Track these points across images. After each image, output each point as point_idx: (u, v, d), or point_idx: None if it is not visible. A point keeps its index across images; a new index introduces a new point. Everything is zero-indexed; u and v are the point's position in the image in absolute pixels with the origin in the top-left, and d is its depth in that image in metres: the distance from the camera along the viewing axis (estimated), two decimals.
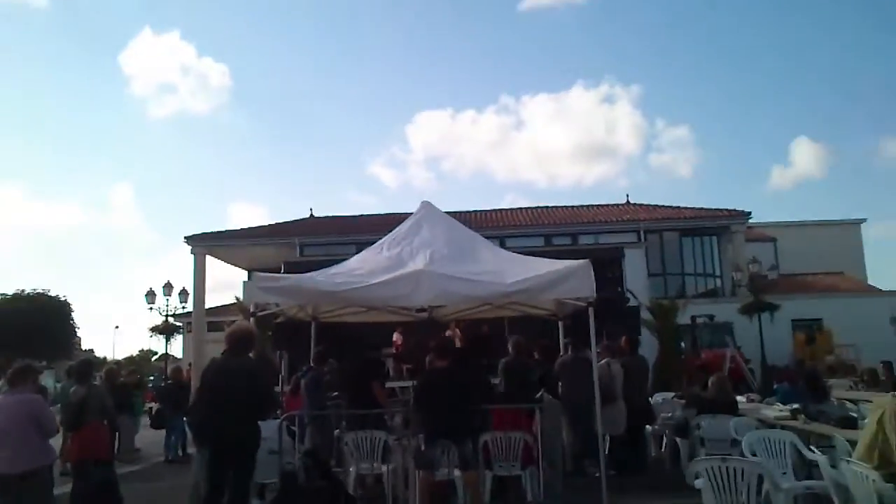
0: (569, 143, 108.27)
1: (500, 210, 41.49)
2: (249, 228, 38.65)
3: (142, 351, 78.34)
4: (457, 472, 7.85)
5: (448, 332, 25.72)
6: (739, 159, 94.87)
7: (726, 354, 26.03)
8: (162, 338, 34.13)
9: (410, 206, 37.55)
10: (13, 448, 6.62)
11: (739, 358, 26.11)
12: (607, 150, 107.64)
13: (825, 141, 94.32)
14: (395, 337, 26.32)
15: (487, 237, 10.97)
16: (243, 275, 42.29)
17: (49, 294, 45.33)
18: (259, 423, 6.96)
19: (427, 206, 9.90)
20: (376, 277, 8.18)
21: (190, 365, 30.79)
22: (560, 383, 10.61)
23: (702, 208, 37.56)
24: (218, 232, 37.78)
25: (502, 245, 32.22)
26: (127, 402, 14.71)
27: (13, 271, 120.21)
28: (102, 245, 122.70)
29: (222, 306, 43.61)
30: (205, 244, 36.50)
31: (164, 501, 10.56)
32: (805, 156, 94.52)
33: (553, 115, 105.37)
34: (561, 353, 11.46)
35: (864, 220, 47.09)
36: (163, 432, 15.14)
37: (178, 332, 35.51)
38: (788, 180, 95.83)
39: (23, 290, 45.18)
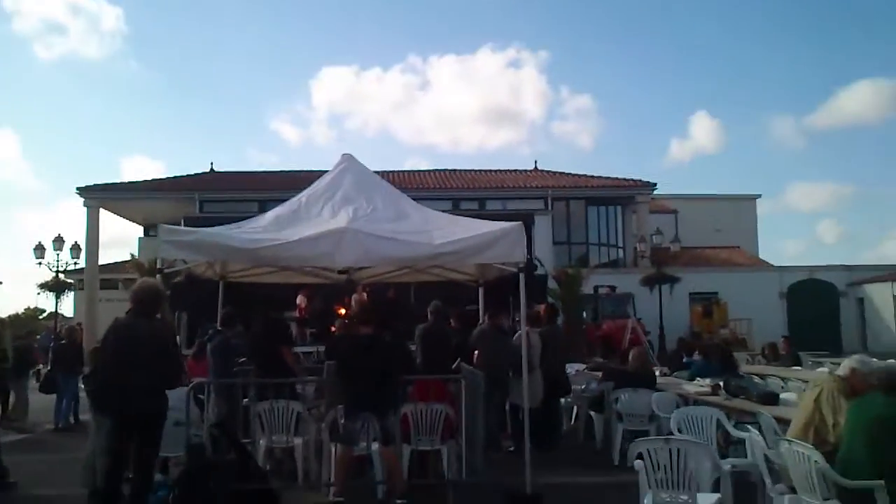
0: (474, 106, 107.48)
1: (407, 172, 40.93)
2: (146, 181, 37.07)
3: (28, 309, 74.26)
4: (374, 447, 7.44)
5: (355, 296, 25.28)
6: (640, 131, 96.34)
7: (627, 325, 26.39)
8: (52, 295, 32.44)
9: (314, 164, 37.65)
10: None
11: (640, 329, 26.52)
12: (511, 115, 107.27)
13: (722, 117, 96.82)
14: (300, 300, 25.57)
15: None
16: (138, 230, 40.69)
17: None
18: (166, 391, 6.37)
19: (349, 159, 9.29)
20: (295, 235, 7.60)
21: (80, 325, 29.25)
22: (476, 352, 10.29)
23: (609, 177, 37.98)
24: (112, 184, 36.07)
25: None
26: (23, 364, 13.77)
27: None
28: None
29: (116, 263, 41.75)
30: (98, 196, 34.79)
31: (54, 475, 9.69)
32: (703, 130, 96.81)
33: (459, 77, 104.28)
34: (480, 322, 11.14)
35: (759, 196, 48.71)
36: (52, 397, 14.07)
37: (70, 290, 33.74)
38: (687, 153, 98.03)
39: None
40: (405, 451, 7.90)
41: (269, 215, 8.57)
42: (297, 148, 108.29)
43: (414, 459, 8.07)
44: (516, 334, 10.67)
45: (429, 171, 41.37)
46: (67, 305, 38.10)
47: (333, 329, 14.27)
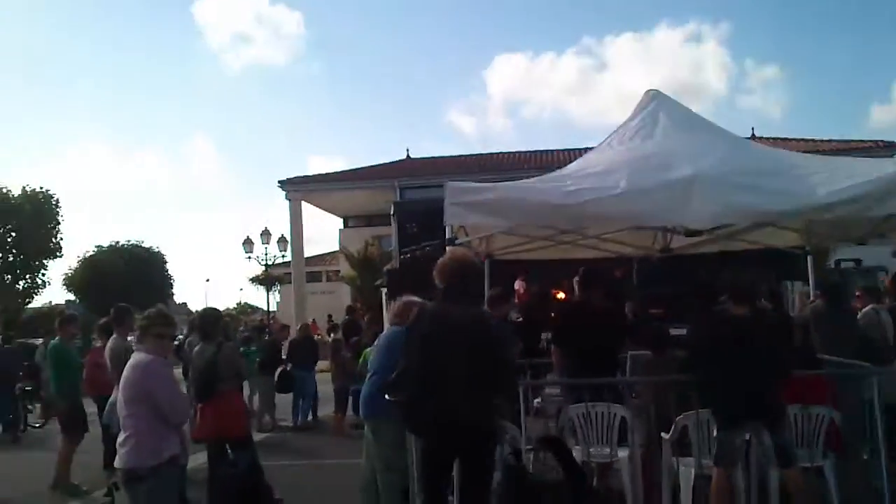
0: (654, 83, 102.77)
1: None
2: (344, 171, 36.50)
3: (239, 304, 77.34)
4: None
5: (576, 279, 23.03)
6: (833, 98, 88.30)
7: None
8: (262, 289, 32.76)
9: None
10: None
11: None
12: (694, 90, 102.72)
13: None
14: (518, 284, 23.90)
15: None
16: (335, 224, 40.69)
17: (143, 245, 44.52)
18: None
19: (657, 95, 7.22)
20: (619, 186, 5.71)
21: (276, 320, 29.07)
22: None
23: (842, 140, 33.86)
24: (312, 175, 35.82)
25: None
26: (273, 362, 12.97)
27: (102, 226, 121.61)
28: (184, 198, 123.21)
29: (318, 255, 42.11)
30: (299, 189, 34.58)
31: (310, 484, 8.46)
32: None
33: (637, 56, 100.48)
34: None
35: None
36: (287, 397, 13.36)
37: (279, 284, 34.07)
38: (891, 119, 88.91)
39: (117, 242, 44.46)
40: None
41: (572, 166, 6.68)
42: (473, 137, 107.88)
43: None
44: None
45: None
46: (269, 300, 38.62)
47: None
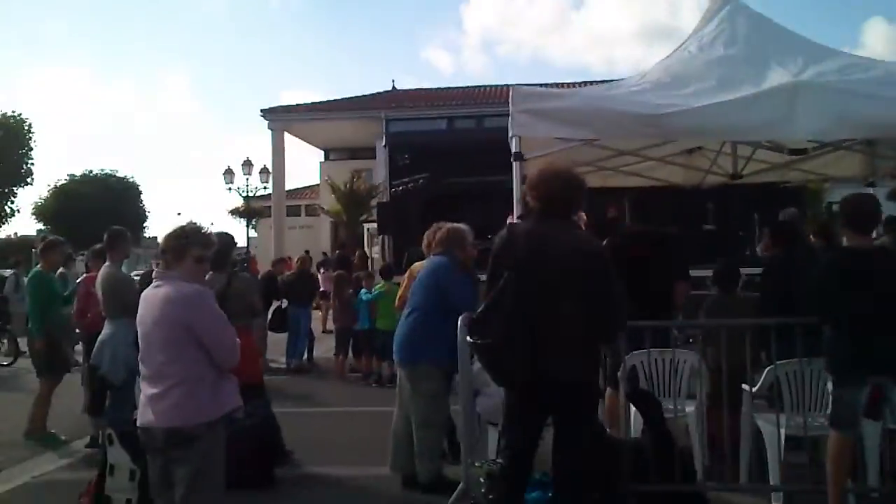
0: (631, 25, 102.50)
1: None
2: (328, 101, 35.08)
3: None
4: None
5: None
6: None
7: None
8: (238, 222, 31.57)
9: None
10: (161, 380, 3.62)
11: None
12: (670, 31, 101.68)
13: None
14: (510, 220, 23.11)
15: None
16: (314, 158, 39.46)
17: (117, 175, 42.93)
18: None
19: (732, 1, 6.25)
20: (717, 97, 4.80)
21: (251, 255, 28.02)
22: None
23: None
24: (296, 105, 34.43)
25: None
26: (269, 295, 11.72)
27: (74, 156, 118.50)
28: (157, 129, 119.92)
29: (298, 189, 40.88)
30: (282, 118, 33.25)
31: (323, 436, 7.65)
32: (878, 37, 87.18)
33: None
34: None
35: None
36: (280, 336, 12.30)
37: (260, 216, 32.90)
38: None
39: (90, 171, 42.80)
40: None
41: (653, 73, 5.69)
42: (449, 75, 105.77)
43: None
44: None
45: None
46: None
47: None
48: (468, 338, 4.01)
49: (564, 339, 3.55)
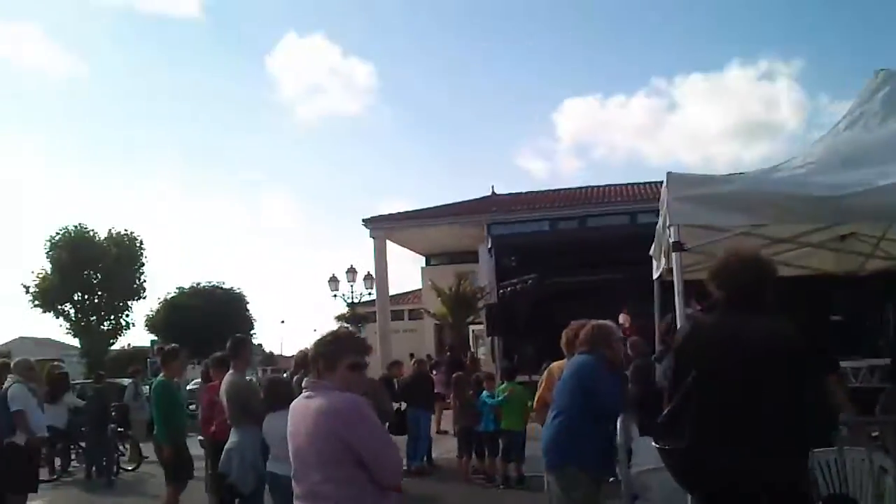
0: (726, 122, 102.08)
1: None
2: (429, 209, 35.49)
3: None
4: None
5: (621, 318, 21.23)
6: None
7: None
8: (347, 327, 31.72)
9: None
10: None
11: None
12: (767, 128, 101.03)
13: None
14: (622, 318, 22.43)
15: None
16: (414, 264, 39.86)
17: (224, 287, 44.24)
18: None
19: (891, 76, 5.90)
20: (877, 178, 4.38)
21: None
22: None
23: None
24: (396, 213, 34.94)
25: None
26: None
27: (182, 269, 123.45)
28: (259, 243, 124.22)
29: (400, 294, 41.19)
30: (384, 226, 33.76)
31: None
32: None
33: (708, 95, 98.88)
34: None
35: None
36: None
37: (365, 322, 33.08)
38: None
39: (198, 283, 44.24)
40: None
41: (814, 154, 5.30)
42: (543, 180, 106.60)
43: None
44: None
45: None
46: None
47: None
48: (653, 443, 3.59)
49: (770, 439, 3.13)
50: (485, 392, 10.89)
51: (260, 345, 68.10)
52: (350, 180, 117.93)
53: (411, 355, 32.58)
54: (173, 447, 7.66)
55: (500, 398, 10.46)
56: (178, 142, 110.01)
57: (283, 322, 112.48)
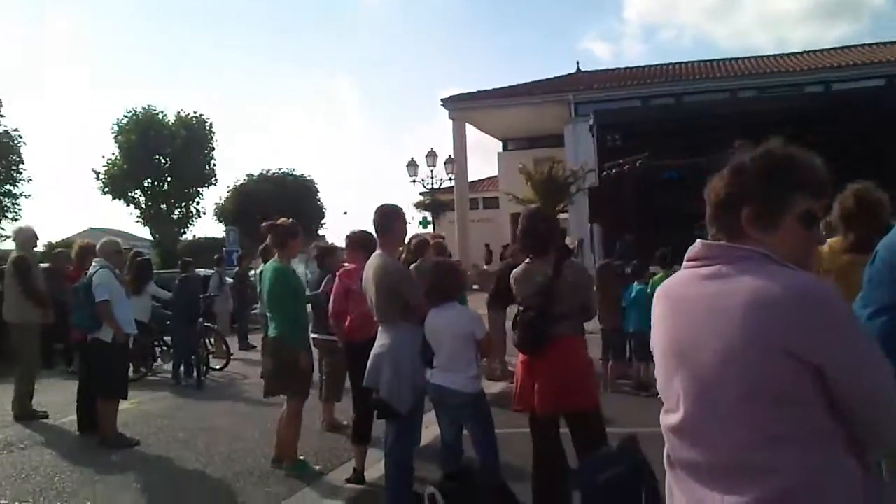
0: (802, 2, 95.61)
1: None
2: (510, 87, 33.17)
3: None
4: None
5: None
6: None
7: None
8: (426, 214, 30.16)
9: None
10: None
11: None
12: (849, 6, 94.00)
13: None
14: None
15: None
16: (488, 150, 37.95)
17: (294, 174, 42.74)
18: None
19: None
20: None
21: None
22: None
23: None
24: (477, 92, 32.79)
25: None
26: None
27: (252, 158, 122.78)
28: (328, 132, 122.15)
29: (476, 181, 39.38)
30: (464, 106, 31.77)
31: None
32: None
33: None
34: None
35: None
36: None
37: (445, 209, 31.50)
38: None
39: (268, 170, 42.80)
40: None
41: None
42: (609, 64, 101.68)
43: None
44: None
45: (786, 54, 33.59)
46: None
47: None
48: None
49: None
50: (636, 284, 9.21)
51: (323, 236, 67.22)
52: (409, 68, 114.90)
53: (486, 245, 31.27)
54: (296, 350, 6.16)
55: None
56: (247, 28, 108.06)
57: (345, 213, 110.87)
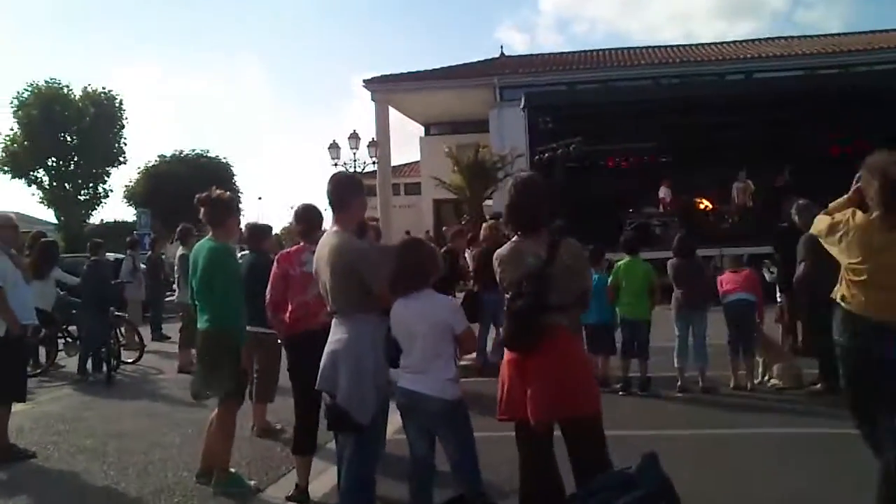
0: (709, 1, 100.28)
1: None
2: (435, 70, 32.27)
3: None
4: None
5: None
6: None
7: None
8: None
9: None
10: None
11: None
12: (751, 6, 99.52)
13: None
14: (663, 192, 20.22)
15: None
16: (408, 135, 37.20)
17: (209, 155, 40.91)
18: None
19: None
20: None
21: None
22: None
23: None
24: (400, 74, 31.72)
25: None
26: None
27: (162, 138, 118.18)
28: (234, 114, 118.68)
29: (397, 166, 38.38)
30: (386, 88, 30.68)
31: None
32: None
33: None
34: None
35: None
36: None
37: (368, 195, 30.45)
38: None
39: (181, 152, 40.90)
40: None
41: None
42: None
43: None
44: None
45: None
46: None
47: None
48: None
49: None
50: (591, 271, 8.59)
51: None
52: (323, 52, 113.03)
53: (407, 232, 30.33)
54: (233, 344, 5.26)
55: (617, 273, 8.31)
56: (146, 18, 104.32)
57: (260, 199, 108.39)
